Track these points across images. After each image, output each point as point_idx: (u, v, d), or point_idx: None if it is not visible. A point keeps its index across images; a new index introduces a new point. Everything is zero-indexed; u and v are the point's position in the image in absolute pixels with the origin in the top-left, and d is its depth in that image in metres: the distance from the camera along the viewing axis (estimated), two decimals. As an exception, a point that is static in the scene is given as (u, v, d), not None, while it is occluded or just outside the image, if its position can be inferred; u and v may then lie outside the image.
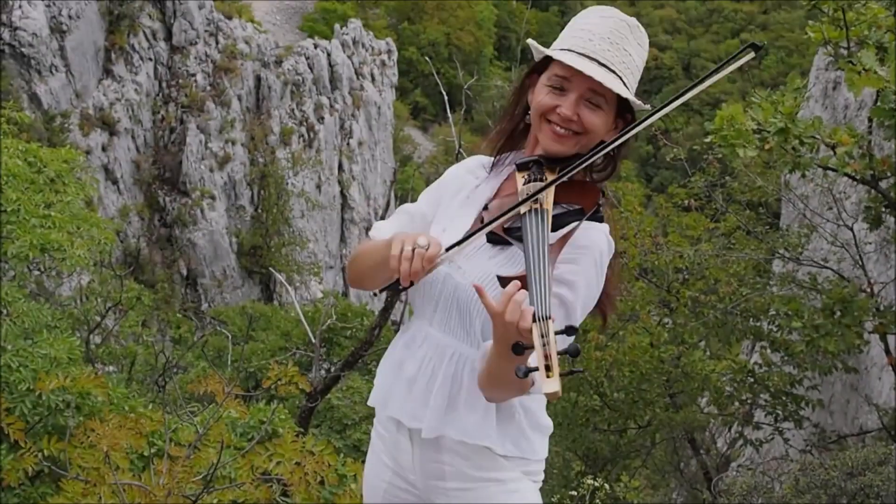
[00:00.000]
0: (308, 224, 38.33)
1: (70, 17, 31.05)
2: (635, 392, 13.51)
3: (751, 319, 12.01)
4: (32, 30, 29.79)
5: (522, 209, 3.22)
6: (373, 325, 11.19)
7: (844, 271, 10.83)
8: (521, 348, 2.79)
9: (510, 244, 3.31)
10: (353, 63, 41.67)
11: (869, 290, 9.54)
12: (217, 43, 36.88)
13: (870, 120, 8.86)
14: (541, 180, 3.35)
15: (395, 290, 3.26)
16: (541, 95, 3.41)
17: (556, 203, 3.32)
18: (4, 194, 9.93)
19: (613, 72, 3.35)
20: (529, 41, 3.56)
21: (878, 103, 7.62)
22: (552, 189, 3.30)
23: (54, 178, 10.94)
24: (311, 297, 31.48)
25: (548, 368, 2.69)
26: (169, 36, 35.99)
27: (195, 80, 35.81)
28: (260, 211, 37.10)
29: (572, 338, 2.91)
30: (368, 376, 18.21)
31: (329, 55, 40.17)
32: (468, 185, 3.68)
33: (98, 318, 15.67)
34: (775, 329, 11.32)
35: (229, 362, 14.80)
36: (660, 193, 17.41)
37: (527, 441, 3.51)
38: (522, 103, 3.59)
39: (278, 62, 38.48)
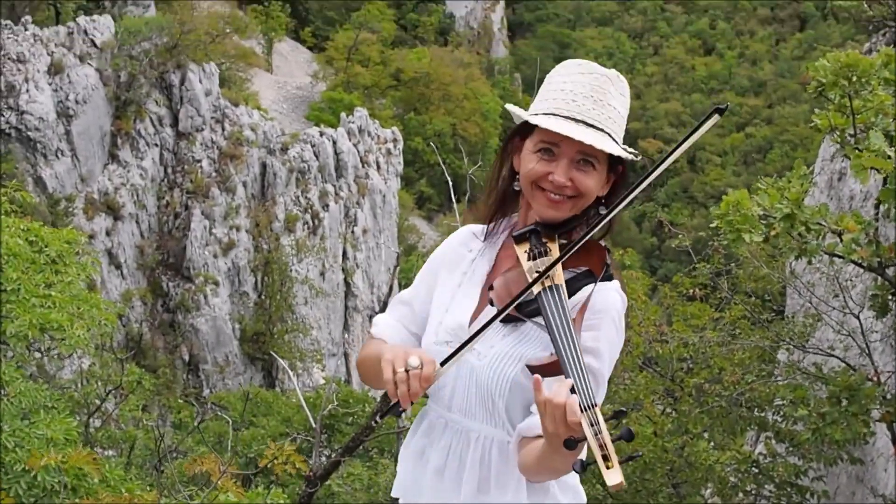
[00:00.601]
0: (311, 311, 38.24)
1: (77, 101, 31.23)
2: (638, 481, 13.38)
3: (755, 409, 11.91)
4: (39, 114, 29.95)
5: (536, 288, 3.17)
6: (374, 411, 11.13)
7: (850, 360, 10.72)
8: (574, 443, 2.75)
9: (523, 321, 3.26)
10: (358, 151, 41.84)
11: (875, 378, 9.44)
12: (223, 129, 37.05)
13: (876, 207, 8.82)
14: (544, 252, 3.32)
15: (397, 414, 3.23)
16: (530, 163, 3.37)
17: (565, 269, 3.29)
18: (5, 273, 9.89)
19: (601, 130, 3.30)
20: (508, 106, 3.55)
21: (887, 185, 7.57)
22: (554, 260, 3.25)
23: (55, 259, 10.90)
24: (313, 384, 31.38)
25: (605, 458, 2.64)
26: (175, 122, 36.16)
27: (201, 166, 35.93)
28: (263, 297, 37.06)
29: (623, 421, 2.84)
30: (370, 463, 18.16)
31: (335, 143, 40.34)
32: (464, 259, 3.63)
33: (98, 402, 15.57)
34: (780, 419, 11.21)
35: (229, 447, 14.68)
36: (664, 283, 17.35)
37: None
38: (508, 168, 3.54)
39: (284, 149, 38.64)
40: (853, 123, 8.10)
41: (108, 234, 32.66)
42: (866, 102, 8.20)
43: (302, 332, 36.80)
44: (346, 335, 41.06)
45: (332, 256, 40.14)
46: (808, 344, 11.68)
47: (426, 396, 3.51)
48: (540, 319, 3.18)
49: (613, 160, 3.37)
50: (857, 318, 10.16)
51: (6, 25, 31.36)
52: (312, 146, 39.82)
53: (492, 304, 3.28)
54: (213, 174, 36.53)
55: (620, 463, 2.66)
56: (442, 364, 3.19)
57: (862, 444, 10.17)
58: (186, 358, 34.77)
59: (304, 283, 37.59)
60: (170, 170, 36.21)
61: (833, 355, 10.64)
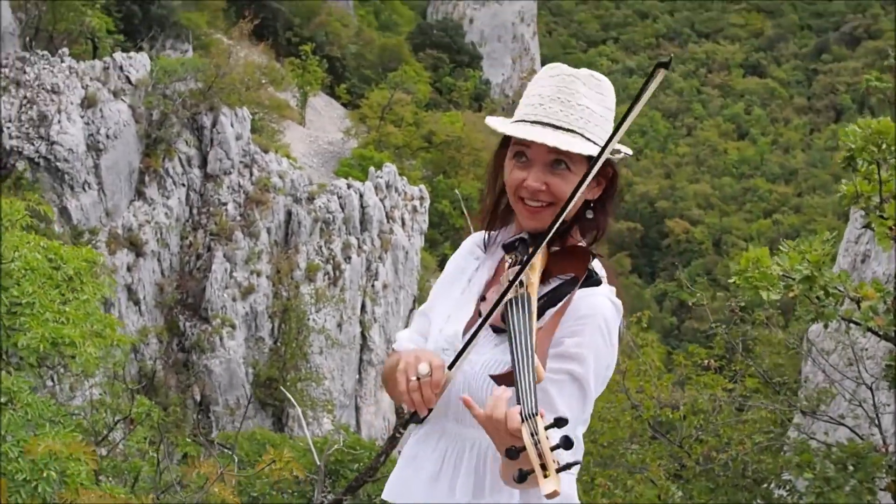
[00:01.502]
0: (326, 361, 38.18)
1: (108, 136, 31.41)
2: (641, 545, 13.32)
3: (761, 483, 11.85)
4: (69, 145, 30.10)
5: (510, 295, 3.17)
6: (379, 452, 11.06)
7: (860, 430, 10.67)
8: (514, 452, 2.75)
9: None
10: (384, 206, 41.92)
11: (884, 449, 9.38)
12: (251, 175, 37.19)
13: (896, 275, 8.78)
14: (525, 261, 3.27)
15: (417, 421, 3.29)
16: (509, 173, 3.37)
17: (553, 276, 3.29)
18: (21, 286, 9.92)
19: (572, 130, 3.27)
20: (487, 119, 3.53)
21: None
22: (537, 268, 3.25)
23: (72, 276, 10.92)
24: (322, 433, 31.23)
25: (543, 468, 2.66)
26: (204, 163, 36.30)
27: (226, 210, 36.03)
28: (279, 344, 37.02)
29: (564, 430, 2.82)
30: (371, 510, 18.10)
31: (361, 196, 40.45)
32: (470, 267, 3.64)
33: (106, 431, 15.54)
34: (786, 493, 11.15)
35: (234, 483, 14.62)
36: (682, 344, 17.31)
37: None
38: (500, 181, 3.54)
39: (310, 199, 38.74)
40: (880, 192, 8.08)
41: (129, 269, 32.71)
42: (893, 171, 8.19)
43: (315, 381, 36.72)
44: (359, 388, 40.97)
45: (351, 308, 40.11)
46: (819, 411, 11.62)
47: None
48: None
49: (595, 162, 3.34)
50: (870, 388, 10.12)
51: (43, 56, 31.61)
52: (339, 198, 39.91)
53: (480, 315, 3.28)
54: (238, 218, 36.61)
55: (558, 471, 2.67)
56: (449, 368, 3.20)
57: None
58: (198, 398, 34.71)
59: (321, 332, 37.55)
60: (195, 210, 36.30)
61: (843, 424, 10.60)
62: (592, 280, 3.33)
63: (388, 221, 42.54)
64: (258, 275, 36.67)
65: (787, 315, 13.92)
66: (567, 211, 3.24)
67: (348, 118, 66.59)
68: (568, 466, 2.70)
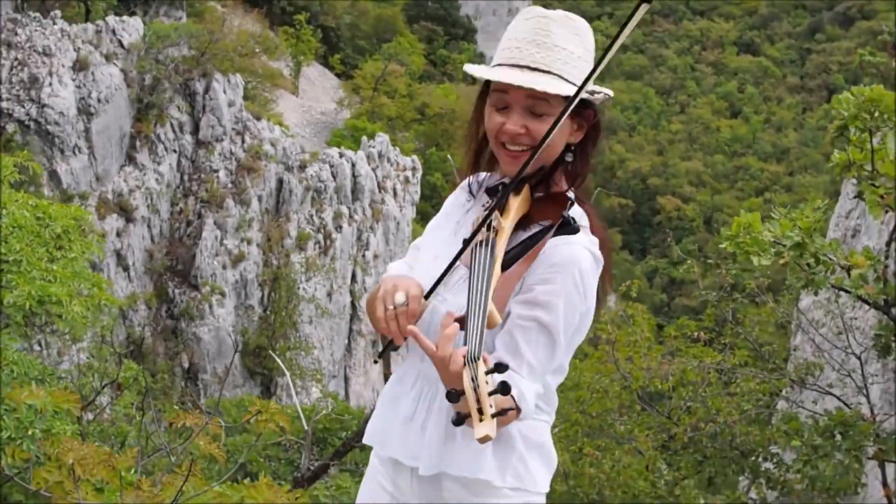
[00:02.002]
0: (315, 331, 38.16)
1: (99, 100, 31.27)
2: (625, 513, 13.34)
3: (749, 456, 11.85)
4: (60, 109, 29.98)
5: (479, 238, 3.13)
6: (366, 418, 11.02)
7: (848, 399, 10.67)
8: (455, 395, 2.73)
9: None
10: (376, 176, 41.82)
11: (871, 418, 9.37)
12: (243, 142, 37.07)
13: (888, 245, 8.75)
14: (502, 208, 3.24)
15: (394, 349, 3.25)
16: (488, 119, 3.32)
17: (534, 222, 3.25)
18: (8, 244, 9.85)
19: (549, 72, 3.22)
20: (466, 66, 3.46)
21: None
22: (512, 212, 3.21)
23: (60, 234, 10.85)
24: (310, 402, 31.22)
25: (480, 412, 2.64)
26: (196, 130, 36.16)
27: (217, 177, 35.92)
28: (269, 312, 36.98)
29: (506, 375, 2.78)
30: (359, 478, 18.08)
31: (353, 165, 40.34)
32: (462, 208, 3.59)
33: (92, 395, 15.48)
34: (773, 466, 11.16)
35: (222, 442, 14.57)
36: (671, 321, 17.33)
37: (528, 472, 3.38)
38: (481, 128, 3.49)
39: (302, 167, 38.63)
40: (871, 160, 8.04)
41: (118, 235, 32.63)
42: (885, 141, 8.14)
43: (304, 350, 36.70)
44: (349, 357, 40.96)
45: (342, 278, 40.08)
46: (808, 382, 11.62)
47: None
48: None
49: (581, 105, 3.28)
50: (859, 358, 10.10)
51: (35, 18, 31.46)
52: (331, 167, 39.84)
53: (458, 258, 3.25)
54: (229, 185, 36.53)
55: (493, 416, 2.66)
56: (428, 294, 3.18)
57: (853, 494, 10.09)
58: (186, 366, 34.68)
59: (311, 301, 37.51)
60: (186, 177, 36.21)
61: (831, 393, 10.59)
62: (569, 228, 3.28)
63: (379, 191, 42.48)
64: (249, 243, 36.63)
65: (776, 293, 13.87)
66: (541, 153, 3.22)
67: (342, 89, 66.45)
68: (502, 412, 2.70)
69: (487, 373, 2.72)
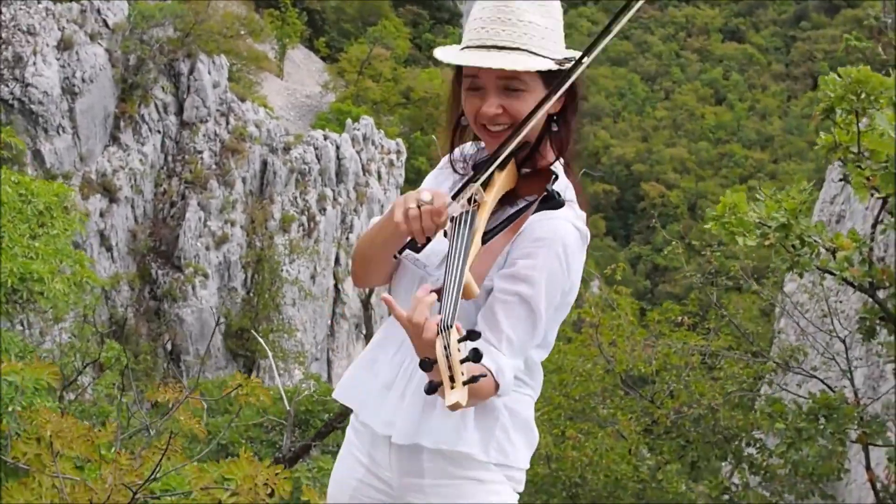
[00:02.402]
0: (298, 313, 38.10)
1: (83, 80, 31.14)
2: (607, 497, 13.34)
3: (733, 441, 11.86)
4: (44, 88, 29.85)
5: (459, 211, 3.11)
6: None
7: (832, 382, 10.67)
8: (428, 364, 2.72)
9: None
10: (360, 159, 41.76)
11: (855, 401, 9.37)
12: (227, 123, 36.97)
13: (874, 226, 8.73)
14: (486, 184, 3.22)
15: (414, 249, 3.20)
16: (465, 103, 3.30)
17: (520, 198, 3.24)
18: (-9, 220, 9.81)
19: (517, 48, 3.20)
20: (436, 51, 3.44)
21: (889, 169, 7.47)
22: (495, 187, 3.18)
23: (43, 211, 10.82)
24: (293, 384, 31.24)
25: (451, 380, 2.63)
26: (180, 111, 36.06)
27: (201, 158, 35.83)
28: (252, 294, 36.91)
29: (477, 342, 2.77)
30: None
31: (338, 148, 40.28)
32: (449, 179, 3.57)
33: (74, 375, 15.44)
34: (756, 452, 11.18)
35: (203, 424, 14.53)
36: (653, 308, 17.33)
37: (511, 446, 3.36)
38: (459, 111, 3.47)
39: (286, 149, 38.56)
40: (858, 142, 8.02)
41: (101, 215, 32.54)
42: (873, 122, 8.11)
43: (287, 332, 36.64)
44: (332, 342, 40.94)
45: (325, 260, 40.02)
46: (792, 365, 11.62)
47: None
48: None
49: (550, 75, 3.26)
50: (843, 341, 10.10)
51: (19, -4, 31.35)
52: (315, 149, 39.77)
53: (445, 235, 3.22)
54: (213, 167, 36.44)
55: (465, 384, 2.65)
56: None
57: (835, 480, 10.10)
58: (169, 347, 34.62)
59: (294, 284, 37.46)
60: (170, 158, 36.11)
61: (815, 376, 10.59)
62: (554, 202, 3.25)
63: (364, 174, 42.42)
64: (232, 224, 36.56)
65: (760, 279, 13.87)
66: (526, 131, 3.18)
67: (327, 72, 66.32)
68: (474, 379, 2.68)
69: (460, 341, 2.71)
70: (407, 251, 3.22)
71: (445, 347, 2.70)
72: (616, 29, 3.07)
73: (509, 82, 3.23)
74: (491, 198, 3.16)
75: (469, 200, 3.13)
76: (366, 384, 3.45)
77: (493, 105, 3.23)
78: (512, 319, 3.15)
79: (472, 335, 2.71)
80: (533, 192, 3.25)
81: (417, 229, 3.07)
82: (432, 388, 2.70)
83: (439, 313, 2.81)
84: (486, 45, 3.23)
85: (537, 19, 3.25)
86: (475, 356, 2.66)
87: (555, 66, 3.24)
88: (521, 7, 3.24)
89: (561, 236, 3.21)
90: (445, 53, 3.32)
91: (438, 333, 2.75)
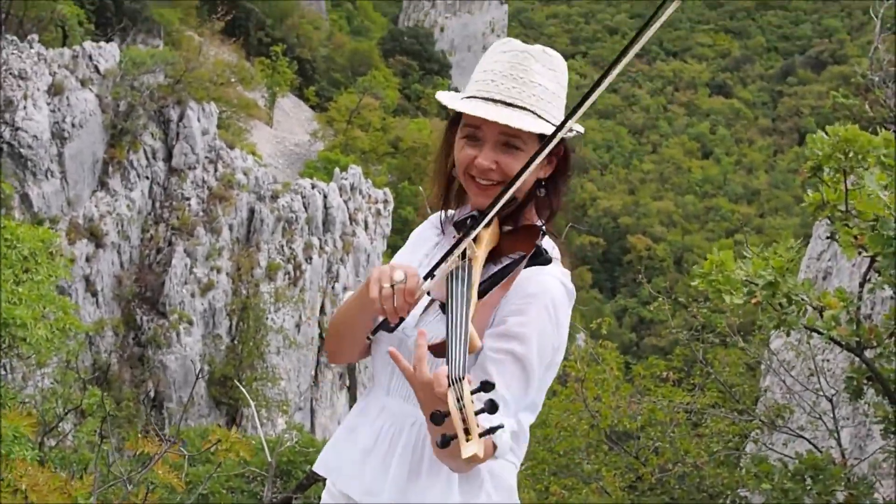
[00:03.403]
0: (282, 361, 37.98)
1: (73, 125, 31.16)
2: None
3: (718, 499, 11.81)
4: (34, 132, 29.83)
5: (451, 266, 3.10)
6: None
7: (818, 441, 10.63)
8: (440, 417, 2.68)
9: None
10: (348, 208, 41.77)
11: (842, 461, 9.32)
12: (216, 170, 36.97)
13: (861, 285, 8.72)
14: (474, 240, 3.20)
15: (387, 329, 3.19)
16: (459, 151, 3.29)
17: (503, 255, 3.22)
18: (-27, 265, 9.76)
19: (524, 108, 3.19)
20: (439, 94, 3.44)
21: (877, 229, 7.46)
22: (484, 242, 3.18)
23: (27, 256, 10.77)
24: (276, 434, 31.07)
25: (466, 432, 2.60)
26: (169, 157, 36.05)
27: (189, 204, 35.80)
28: (236, 342, 36.80)
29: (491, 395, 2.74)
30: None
31: (325, 197, 40.30)
32: (430, 241, 3.56)
33: (55, 421, 15.34)
34: (741, 506, 11.13)
35: (184, 478, 14.40)
36: (638, 363, 17.30)
37: None
38: (450, 159, 3.46)
39: (274, 197, 38.56)
40: (846, 200, 8.02)
41: (87, 260, 32.44)
42: (861, 181, 8.11)
43: (271, 381, 36.52)
44: (315, 391, 40.79)
45: (310, 309, 39.92)
46: (778, 424, 11.58)
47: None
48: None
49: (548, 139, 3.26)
50: (830, 400, 10.06)
51: (11, 41, 31.36)
52: (303, 197, 39.78)
53: (428, 294, 3.19)
54: (201, 213, 36.39)
55: (481, 435, 2.61)
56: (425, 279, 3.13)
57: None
58: (152, 394, 34.45)
59: (279, 332, 37.36)
60: (157, 204, 36.06)
61: (801, 436, 10.54)
62: (542, 259, 3.25)
63: (350, 223, 42.40)
64: (218, 271, 36.47)
65: (746, 335, 13.86)
66: (515, 188, 3.17)
67: (316, 121, 66.56)
68: (492, 430, 2.63)
69: (473, 392, 2.67)
70: (380, 332, 3.22)
71: (458, 399, 2.67)
72: (601, 88, 3.06)
73: (509, 139, 3.23)
74: (482, 252, 3.15)
75: (462, 255, 3.12)
76: (345, 452, 3.42)
77: (489, 158, 3.23)
78: (505, 377, 3.10)
79: (487, 386, 2.67)
80: (517, 250, 3.25)
81: (390, 309, 3.06)
82: (445, 442, 2.64)
83: (445, 365, 2.78)
84: (494, 99, 3.23)
85: (546, 83, 3.27)
86: (491, 408, 2.61)
87: (569, 134, 3.25)
88: (533, 68, 3.25)
89: (549, 291, 3.20)
90: (451, 99, 3.31)
91: (450, 385, 2.71)
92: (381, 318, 3.19)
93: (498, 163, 3.23)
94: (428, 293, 3.19)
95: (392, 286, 3.05)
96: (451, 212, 3.57)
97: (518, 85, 3.23)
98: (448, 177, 3.48)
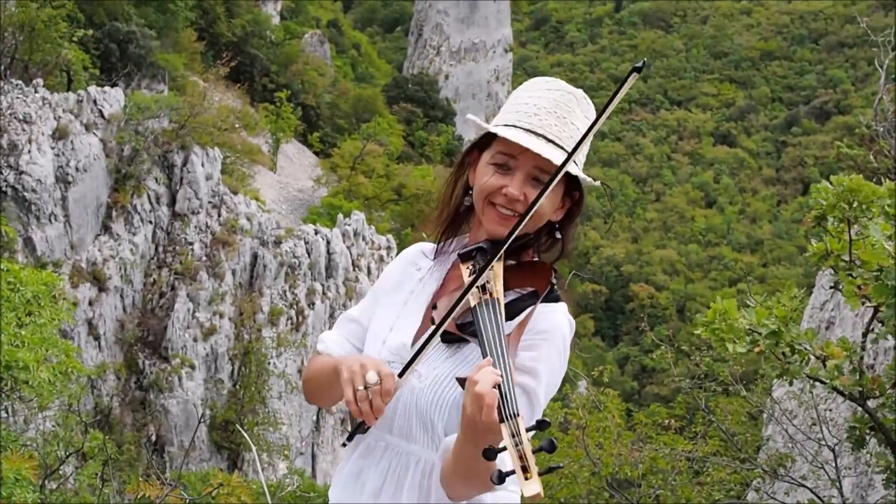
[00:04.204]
0: (284, 406, 37.89)
1: (77, 169, 31.23)
2: None
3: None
4: (38, 176, 29.89)
5: (472, 301, 3.09)
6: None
7: (820, 490, 10.60)
8: (493, 453, 2.66)
9: (466, 341, 3.19)
10: (351, 254, 41.81)
11: (845, 511, 9.32)
12: (219, 215, 37.03)
13: (864, 335, 8.72)
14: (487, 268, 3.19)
15: (363, 432, 3.20)
16: (486, 176, 3.30)
17: (508, 289, 3.23)
18: (-23, 307, 9.78)
19: (562, 147, 3.22)
20: (469, 116, 3.46)
21: (881, 279, 7.47)
22: (500, 276, 3.19)
23: (30, 300, 10.79)
24: (277, 478, 30.98)
25: (524, 470, 2.58)
26: (173, 202, 36.12)
27: (192, 249, 35.83)
28: (238, 387, 36.74)
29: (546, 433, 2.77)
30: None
31: (328, 242, 40.35)
32: (412, 278, 3.57)
33: (57, 464, 15.32)
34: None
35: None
36: (640, 410, 17.29)
37: None
38: (462, 184, 3.47)
39: (277, 242, 38.61)
40: (850, 250, 8.03)
41: (90, 304, 32.43)
42: (865, 231, 8.13)
43: (272, 425, 36.43)
44: (317, 435, 40.67)
45: (309, 361, 39.88)
46: (780, 473, 11.56)
47: None
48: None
49: (570, 184, 3.28)
50: (833, 450, 10.05)
51: (16, 85, 31.48)
52: (306, 243, 39.81)
53: (433, 324, 3.19)
54: (204, 258, 36.40)
55: (540, 474, 2.60)
56: (399, 376, 3.13)
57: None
58: (153, 438, 34.36)
59: (281, 377, 37.30)
60: (161, 248, 36.08)
61: (804, 485, 10.52)
62: (553, 296, 3.27)
63: (354, 269, 42.42)
64: (221, 316, 36.45)
65: (748, 384, 13.85)
66: (528, 220, 3.20)
67: (319, 167, 66.59)
68: (550, 470, 2.65)
69: (528, 429, 2.68)
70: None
71: (513, 436, 2.66)
72: (609, 110, 3.08)
73: (540, 174, 3.26)
74: (500, 286, 3.16)
75: (481, 288, 3.12)
76: (354, 498, 3.41)
77: (519, 189, 3.23)
78: None
79: (542, 424, 2.68)
80: (526, 285, 3.26)
81: (367, 411, 3.05)
82: (502, 479, 2.64)
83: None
84: (536, 132, 3.24)
85: (580, 124, 3.29)
86: (550, 447, 2.62)
87: (594, 182, 3.29)
88: (575, 110, 3.30)
89: (560, 328, 3.25)
90: (495, 127, 3.31)
91: (502, 420, 2.71)
92: (357, 421, 3.17)
93: (526, 195, 3.25)
94: (432, 320, 3.20)
95: (366, 387, 3.04)
96: (427, 246, 3.59)
97: (560, 123, 3.27)
98: (459, 202, 3.49)
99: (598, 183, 3.35)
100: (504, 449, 2.67)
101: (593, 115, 3.33)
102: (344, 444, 3.33)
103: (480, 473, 2.87)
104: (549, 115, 3.25)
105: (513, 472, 2.61)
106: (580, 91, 3.34)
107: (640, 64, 2.94)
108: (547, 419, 2.66)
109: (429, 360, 3.25)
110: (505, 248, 3.16)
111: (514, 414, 2.71)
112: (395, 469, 3.31)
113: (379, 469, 3.36)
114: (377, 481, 3.35)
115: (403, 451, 3.30)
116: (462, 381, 2.91)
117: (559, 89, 3.30)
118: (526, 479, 2.59)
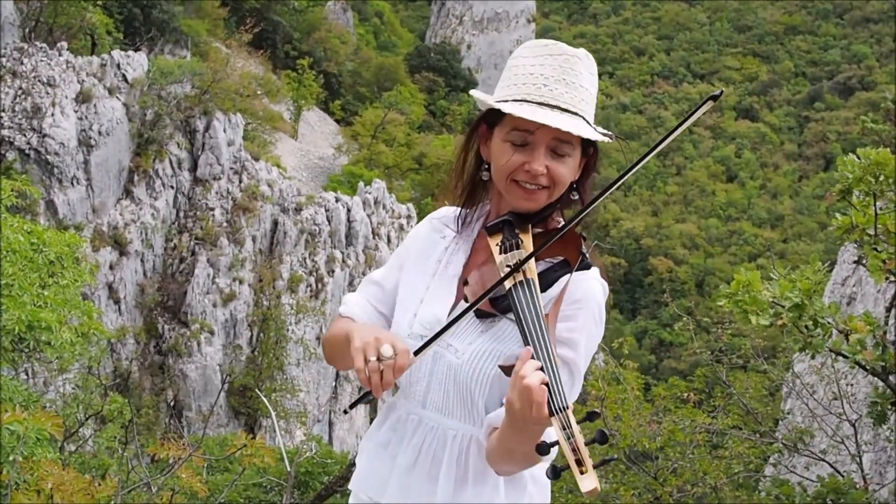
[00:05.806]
0: (302, 374, 37.95)
1: (100, 133, 31.26)
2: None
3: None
4: (61, 139, 29.94)
5: (507, 284, 3.05)
6: (350, 462, 10.94)
7: (841, 465, 10.59)
8: (546, 448, 2.63)
9: (499, 317, 3.15)
10: (371, 222, 41.77)
11: (864, 486, 9.27)
12: (240, 181, 37.05)
13: (888, 310, 8.69)
14: (516, 245, 3.20)
15: (368, 401, 3.15)
16: (505, 155, 3.23)
17: (539, 260, 3.17)
18: (1, 267, 9.79)
19: (576, 113, 3.17)
20: (473, 92, 3.38)
21: None
22: (531, 251, 3.15)
23: (53, 261, 10.81)
24: (294, 444, 31.09)
25: (579, 463, 2.55)
26: (194, 167, 36.15)
27: (213, 215, 35.87)
28: (256, 353, 36.81)
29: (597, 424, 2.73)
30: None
31: (349, 210, 40.31)
32: (437, 246, 3.50)
33: (76, 426, 15.39)
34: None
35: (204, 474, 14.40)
36: (659, 383, 17.24)
37: None
38: (474, 157, 3.41)
39: (298, 209, 38.60)
40: (875, 224, 7.99)
41: (111, 267, 32.53)
42: (890, 205, 8.09)
43: (290, 392, 36.50)
44: (334, 402, 40.75)
45: (331, 322, 39.91)
46: (800, 447, 11.52)
47: (397, 387, 3.39)
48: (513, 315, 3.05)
49: (585, 143, 3.25)
50: (853, 425, 10.03)
51: (41, 48, 31.50)
52: (326, 210, 39.80)
53: (466, 301, 3.16)
54: (224, 224, 36.47)
55: (596, 467, 2.57)
56: (415, 354, 3.08)
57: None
58: (171, 402, 34.49)
59: (299, 343, 37.34)
60: (182, 213, 36.16)
61: (823, 460, 10.50)
62: (584, 263, 3.25)
63: (373, 237, 42.42)
64: (240, 282, 36.52)
65: (768, 359, 13.81)
66: (553, 190, 3.24)
67: (340, 135, 66.55)
68: (605, 462, 2.64)
69: (579, 422, 2.66)
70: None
71: (564, 428, 2.64)
72: (680, 129, 3.08)
73: (560, 146, 3.22)
74: (533, 262, 3.14)
75: (514, 267, 3.09)
76: (383, 470, 3.41)
77: (541, 164, 3.20)
78: None
79: (593, 416, 2.66)
80: (556, 254, 3.23)
81: (376, 384, 2.99)
82: (557, 473, 2.63)
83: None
84: (549, 104, 3.19)
85: (588, 86, 3.26)
86: (602, 438, 2.61)
87: (611, 139, 3.26)
88: (581, 73, 3.25)
89: (595, 296, 3.24)
90: (509, 105, 3.22)
91: (552, 414, 2.69)
92: (363, 390, 3.12)
93: (548, 168, 3.21)
94: (465, 298, 3.17)
95: (378, 360, 2.98)
96: (450, 212, 3.56)
97: (570, 90, 3.21)
98: (474, 178, 3.45)
99: (614, 138, 3.30)
100: (556, 443, 2.64)
101: (595, 70, 3.30)
102: (346, 412, 3.30)
103: (527, 457, 2.88)
104: (558, 84, 3.19)
105: (567, 467, 2.59)
106: (582, 50, 3.27)
107: (717, 93, 2.97)
108: (596, 409, 2.63)
109: (463, 335, 3.22)
110: (543, 246, 3.15)
111: (563, 407, 2.69)
112: (431, 444, 3.30)
113: (412, 444, 3.34)
114: (410, 456, 3.33)
115: (439, 425, 3.29)
116: (505, 370, 2.92)
117: (562, 53, 3.25)
118: (581, 472, 2.55)
